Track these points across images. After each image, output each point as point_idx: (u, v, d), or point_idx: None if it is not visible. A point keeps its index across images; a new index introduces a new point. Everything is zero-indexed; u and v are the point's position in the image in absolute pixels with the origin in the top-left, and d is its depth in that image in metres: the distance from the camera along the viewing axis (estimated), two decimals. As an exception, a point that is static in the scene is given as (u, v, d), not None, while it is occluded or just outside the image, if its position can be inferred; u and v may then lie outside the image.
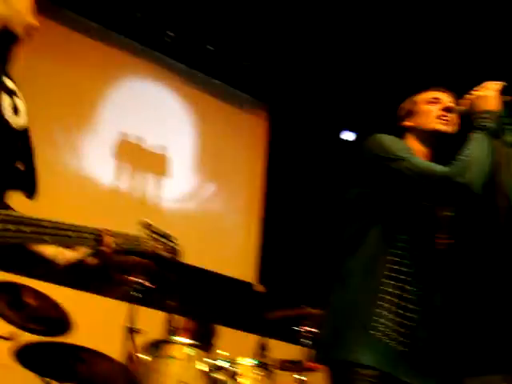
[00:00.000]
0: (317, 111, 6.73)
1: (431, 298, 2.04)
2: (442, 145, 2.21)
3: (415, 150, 2.17)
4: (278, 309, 4.27)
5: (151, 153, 6.16)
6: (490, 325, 1.75)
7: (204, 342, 4.47)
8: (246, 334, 5.37)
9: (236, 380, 3.69)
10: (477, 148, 1.99)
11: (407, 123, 2.27)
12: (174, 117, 6.44)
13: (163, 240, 2.59)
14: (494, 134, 2.04)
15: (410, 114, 2.28)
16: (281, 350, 4.83)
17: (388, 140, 2.09)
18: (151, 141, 6.17)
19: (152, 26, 6.01)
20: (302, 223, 6.50)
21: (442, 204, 2.16)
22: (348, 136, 6.80)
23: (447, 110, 2.19)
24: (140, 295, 3.48)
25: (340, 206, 2.19)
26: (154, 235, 2.51)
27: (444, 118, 2.18)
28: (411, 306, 1.98)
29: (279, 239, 6.46)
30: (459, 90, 2.26)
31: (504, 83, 2.10)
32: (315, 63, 6.28)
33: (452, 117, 2.18)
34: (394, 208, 2.05)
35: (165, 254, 2.66)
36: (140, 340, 3.63)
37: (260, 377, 3.76)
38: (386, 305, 1.96)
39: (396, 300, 1.97)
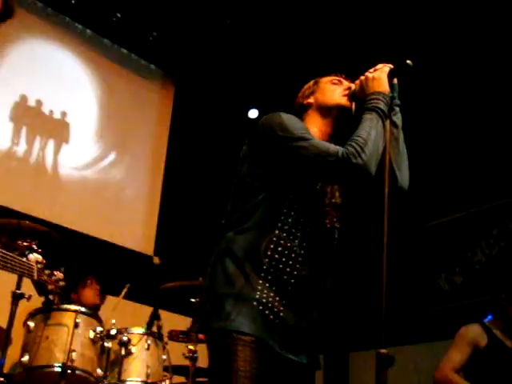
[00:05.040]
0: (224, 87, 6.74)
1: (317, 279, 2.07)
2: (342, 122, 2.23)
3: (315, 127, 2.19)
4: (175, 280, 4.27)
5: (51, 117, 5.98)
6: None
7: (97, 310, 4.45)
8: (142, 305, 5.36)
9: (126, 348, 3.70)
10: (371, 129, 2.02)
11: (310, 100, 2.28)
12: (77, 83, 6.26)
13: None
14: (385, 115, 2.10)
15: (313, 92, 2.29)
16: (177, 321, 4.86)
17: (287, 119, 2.06)
18: (52, 105, 5.97)
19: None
20: (201, 197, 6.51)
21: (338, 184, 2.19)
22: (253, 114, 6.81)
23: (349, 89, 2.25)
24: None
25: (233, 182, 2.16)
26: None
27: (346, 94, 2.23)
28: (295, 284, 2.00)
29: (178, 212, 6.44)
30: (353, 74, 2.33)
31: (391, 65, 2.17)
32: (223, 40, 6.28)
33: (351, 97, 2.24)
34: (285, 188, 2.05)
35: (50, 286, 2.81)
36: (30, 306, 3.55)
37: (150, 345, 3.79)
38: (269, 280, 1.96)
39: (280, 276, 1.98)
